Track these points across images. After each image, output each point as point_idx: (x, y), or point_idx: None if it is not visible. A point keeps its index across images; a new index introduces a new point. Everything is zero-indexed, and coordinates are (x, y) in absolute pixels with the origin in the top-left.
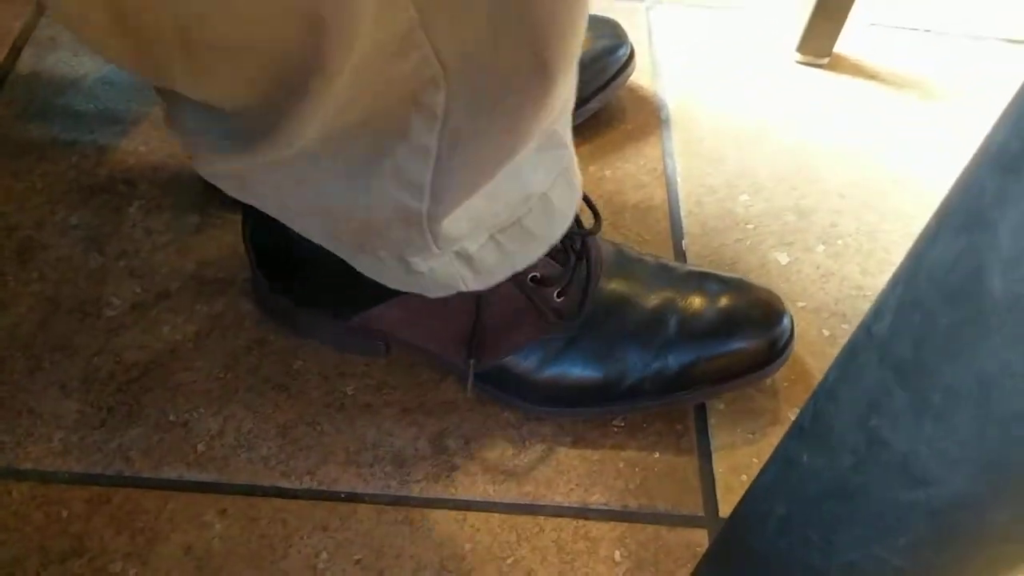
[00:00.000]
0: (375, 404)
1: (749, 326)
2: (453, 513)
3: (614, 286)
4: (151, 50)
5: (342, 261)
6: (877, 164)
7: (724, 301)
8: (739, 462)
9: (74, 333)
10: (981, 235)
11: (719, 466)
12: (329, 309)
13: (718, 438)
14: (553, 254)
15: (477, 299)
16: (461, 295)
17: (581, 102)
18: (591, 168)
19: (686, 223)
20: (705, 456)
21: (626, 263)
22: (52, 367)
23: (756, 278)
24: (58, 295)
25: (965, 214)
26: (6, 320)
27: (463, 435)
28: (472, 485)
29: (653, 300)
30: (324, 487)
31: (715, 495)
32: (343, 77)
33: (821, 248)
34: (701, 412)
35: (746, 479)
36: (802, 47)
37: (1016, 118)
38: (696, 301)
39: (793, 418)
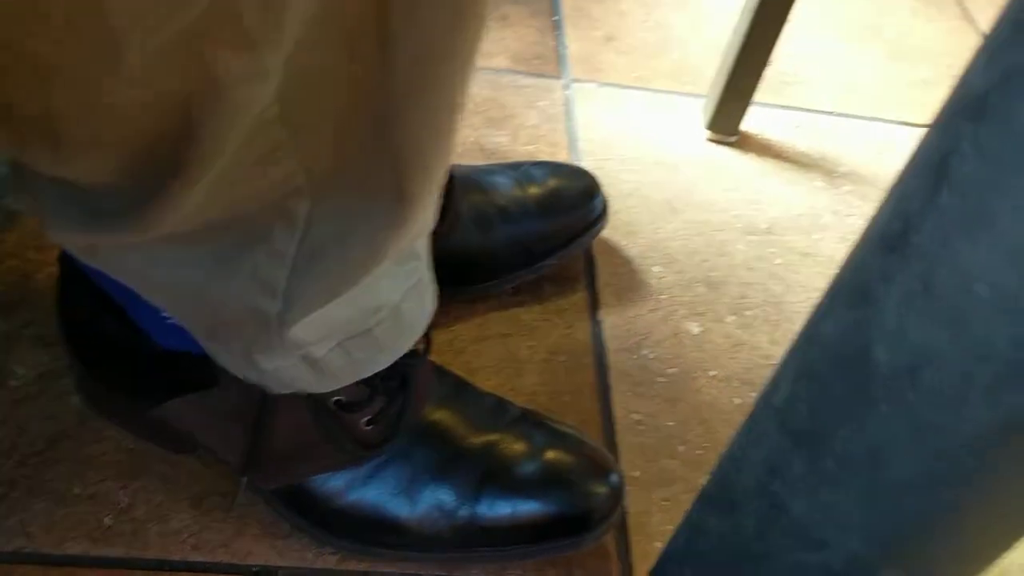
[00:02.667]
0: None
1: (570, 488)
2: None
3: (437, 417)
4: (16, 130)
5: (145, 349)
6: (784, 238)
7: (547, 455)
8: (654, 529)
9: None
10: (867, 310)
11: (634, 534)
12: (130, 401)
13: (634, 505)
14: (364, 379)
15: (259, 412)
16: (253, 406)
17: (539, 255)
18: None
19: (602, 294)
20: (620, 526)
21: (458, 395)
22: None
23: (669, 347)
24: None
25: (853, 290)
26: None
27: None
28: (392, 557)
29: (473, 441)
30: (237, 560)
31: (630, 563)
32: (206, 181)
33: (731, 319)
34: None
35: (660, 546)
36: (712, 125)
37: (897, 199)
38: (519, 450)
39: None
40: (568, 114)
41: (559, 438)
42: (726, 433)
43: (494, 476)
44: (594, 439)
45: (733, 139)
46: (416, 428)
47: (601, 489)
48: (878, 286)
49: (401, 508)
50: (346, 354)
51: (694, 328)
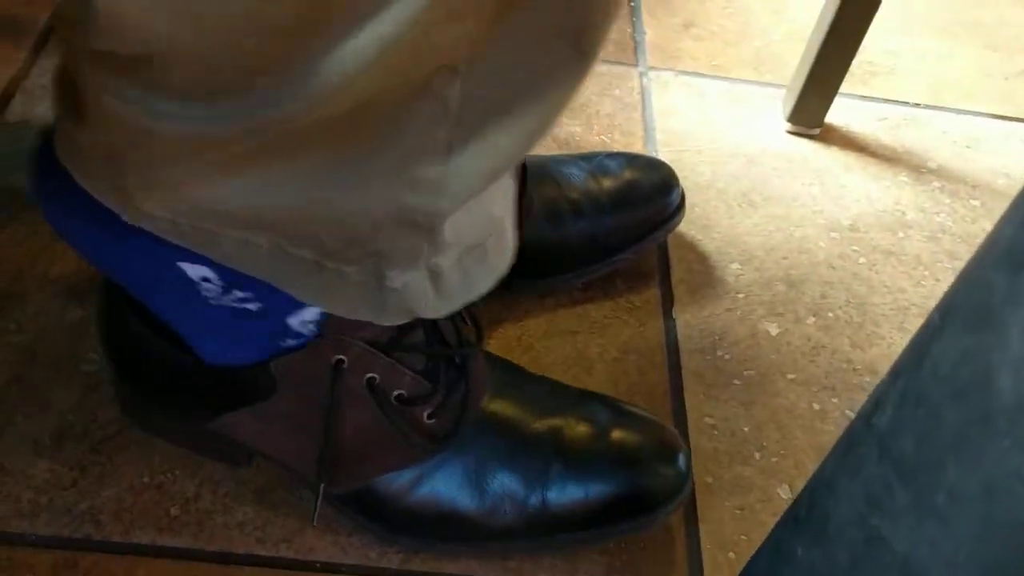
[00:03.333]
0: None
1: (640, 466)
2: None
3: (496, 407)
4: None
5: (195, 366)
6: (867, 236)
7: (615, 434)
8: (727, 539)
9: (49, 388)
10: (990, 334)
11: (706, 542)
12: (182, 417)
13: (706, 513)
14: (423, 371)
15: (326, 418)
16: (314, 410)
17: (613, 250)
18: None
19: (676, 290)
20: (692, 532)
21: (515, 382)
22: (24, 422)
23: (746, 348)
24: (34, 349)
25: (973, 311)
26: None
27: None
28: (455, 559)
29: (537, 425)
30: (300, 556)
31: (702, 573)
32: (357, 41)
33: (812, 320)
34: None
35: (734, 556)
36: (793, 117)
37: None
38: (584, 432)
39: (782, 494)
40: (644, 103)
41: (623, 416)
42: (804, 440)
43: (562, 460)
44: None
45: (815, 131)
46: (477, 419)
47: (670, 465)
48: (1003, 308)
49: (469, 501)
50: (463, 271)
51: (772, 329)
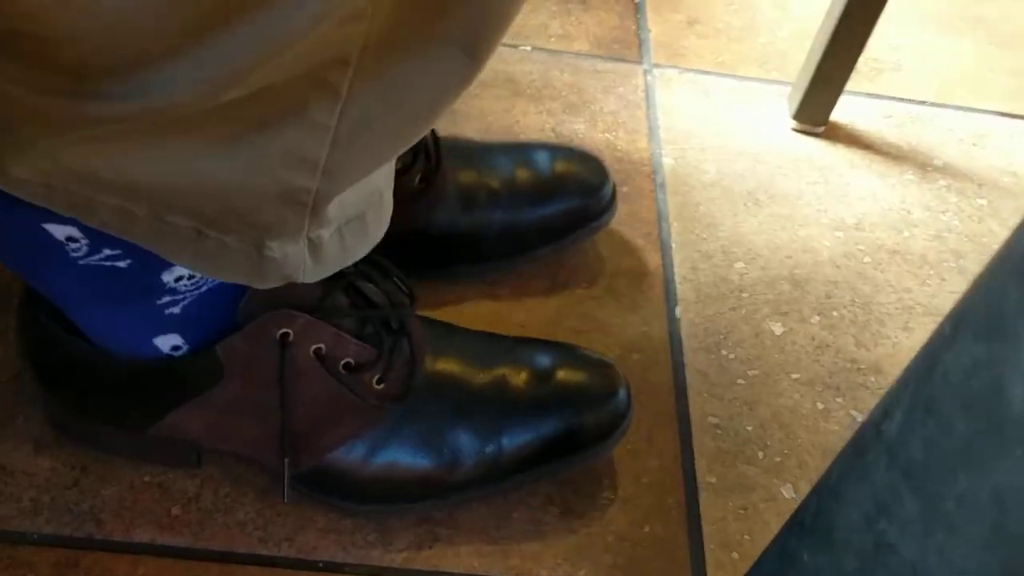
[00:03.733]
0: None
1: (584, 400)
2: None
3: (440, 366)
4: None
5: (127, 367)
6: (872, 235)
7: (557, 374)
8: (730, 538)
9: None
10: (1003, 345)
11: (709, 542)
12: (122, 424)
13: (708, 512)
14: (365, 337)
15: (281, 392)
16: (264, 390)
17: (530, 245)
18: None
19: (680, 290)
20: (695, 531)
21: (448, 337)
22: (25, 423)
23: (750, 348)
24: None
25: (985, 321)
26: None
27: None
28: (456, 557)
29: (481, 378)
30: (302, 555)
31: (705, 572)
32: (251, 30)
33: (816, 319)
34: (691, 485)
35: (737, 556)
36: (799, 115)
37: None
38: (527, 376)
39: (786, 494)
40: (648, 101)
41: (561, 356)
42: (808, 440)
43: (511, 407)
44: (671, 441)
45: (820, 129)
46: (422, 381)
47: (613, 396)
48: (1016, 319)
49: (427, 460)
50: (341, 239)
51: (777, 328)
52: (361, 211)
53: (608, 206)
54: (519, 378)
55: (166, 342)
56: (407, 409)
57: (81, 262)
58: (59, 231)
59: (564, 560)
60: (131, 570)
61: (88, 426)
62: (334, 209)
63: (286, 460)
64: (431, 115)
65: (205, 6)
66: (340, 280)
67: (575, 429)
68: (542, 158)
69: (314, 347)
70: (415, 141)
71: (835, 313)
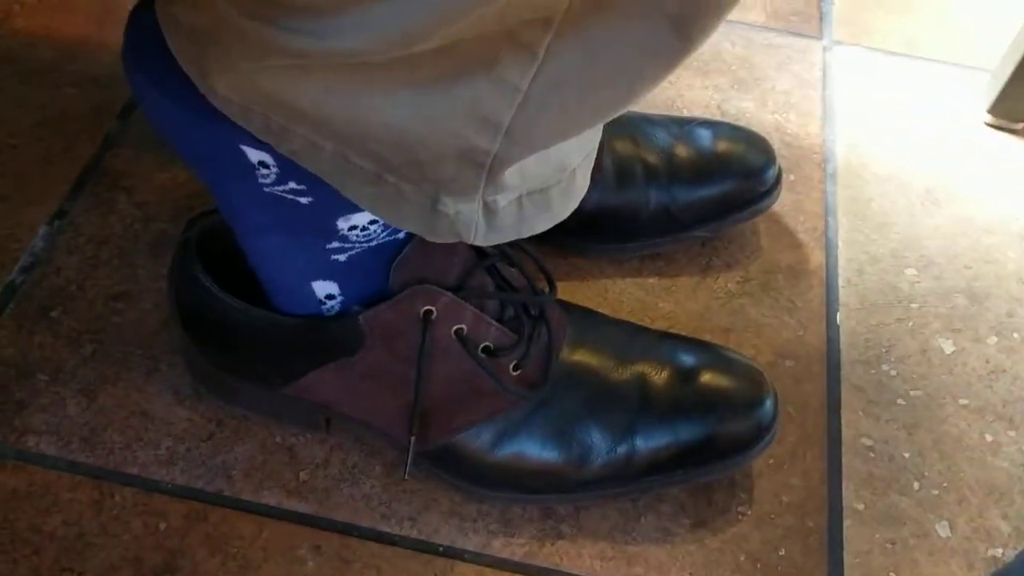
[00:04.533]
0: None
1: (728, 406)
2: None
3: (578, 356)
4: None
5: (273, 325)
6: None
7: (701, 376)
8: (874, 574)
9: None
10: None
11: (850, 574)
12: (259, 380)
13: (852, 543)
14: (505, 321)
15: (418, 369)
16: (401, 364)
17: (685, 225)
18: None
19: (843, 293)
20: (836, 561)
21: (592, 328)
22: (169, 371)
23: (915, 365)
24: None
25: None
26: (132, 314)
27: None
28: (578, 558)
29: (621, 373)
30: (424, 537)
31: None
32: None
33: (993, 340)
34: (836, 510)
35: None
36: (995, 108)
37: None
38: (669, 375)
39: (941, 532)
40: (825, 81)
41: (707, 357)
42: (971, 474)
43: (648, 406)
44: (817, 460)
45: (1019, 126)
46: (558, 370)
47: (758, 406)
48: None
49: (556, 454)
50: (519, 209)
51: (947, 346)
52: (546, 185)
53: (771, 190)
54: (660, 376)
55: (322, 288)
56: (539, 401)
57: (267, 189)
58: (254, 155)
59: (690, 574)
60: (256, 531)
61: (228, 381)
62: (513, 176)
63: (413, 437)
64: (629, 94)
65: None
66: (483, 260)
67: (715, 436)
68: (704, 134)
69: (456, 327)
70: (608, 119)
71: (1016, 335)
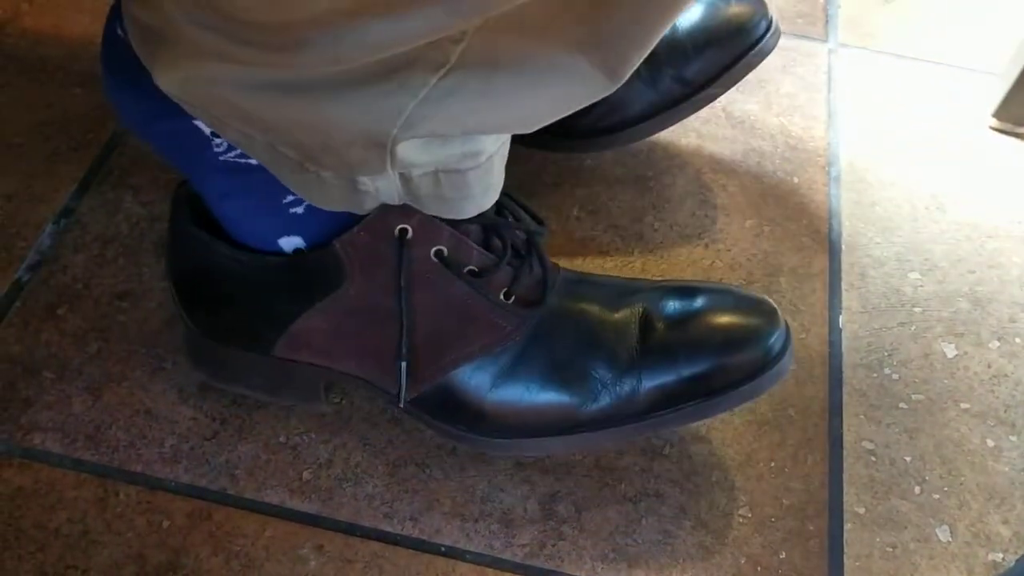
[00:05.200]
0: (488, 453)
1: (735, 336)
2: None
3: (574, 297)
4: None
5: (258, 266)
6: None
7: (706, 308)
8: None
9: None
10: None
11: None
12: (251, 341)
13: (853, 546)
14: (487, 246)
15: (400, 294)
16: (386, 294)
17: (699, 87)
18: (748, 222)
19: (845, 297)
20: (836, 565)
21: (583, 283)
22: (173, 369)
23: (917, 369)
24: None
25: None
26: (137, 313)
27: (575, 502)
28: (579, 559)
29: (619, 311)
30: (425, 537)
31: None
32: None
33: (995, 344)
34: (837, 514)
35: None
36: (1000, 112)
37: None
38: (671, 309)
39: (941, 536)
40: (830, 84)
41: (710, 289)
42: (972, 478)
43: (649, 340)
44: (819, 463)
45: None
46: (555, 306)
47: (766, 340)
48: None
49: (556, 392)
50: (437, 184)
51: (949, 350)
52: (462, 168)
53: (766, 34)
54: (661, 311)
55: (289, 243)
56: (537, 334)
57: (222, 157)
58: (206, 128)
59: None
60: (259, 530)
61: (219, 352)
62: (415, 153)
63: (403, 364)
64: (539, 114)
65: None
66: None
67: (721, 367)
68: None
69: (435, 248)
70: (513, 131)
71: (1018, 340)
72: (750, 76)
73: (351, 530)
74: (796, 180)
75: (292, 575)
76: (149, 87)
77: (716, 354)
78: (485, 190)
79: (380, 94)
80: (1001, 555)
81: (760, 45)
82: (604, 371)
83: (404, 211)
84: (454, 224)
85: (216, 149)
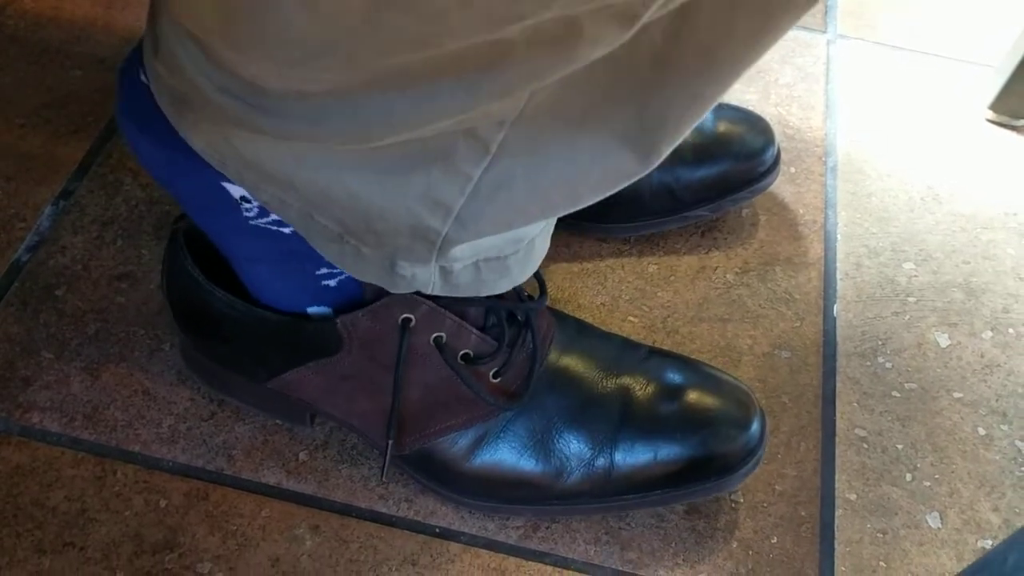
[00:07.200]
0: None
1: (712, 429)
2: (548, 569)
3: (563, 363)
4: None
5: (260, 322)
6: None
7: (687, 395)
8: (864, 563)
9: None
10: None
11: (841, 564)
12: (244, 373)
13: (844, 532)
14: (487, 328)
15: (396, 375)
16: (380, 369)
17: (688, 204)
18: (744, 211)
19: (841, 286)
20: (827, 550)
21: (581, 338)
22: (171, 351)
23: (910, 358)
24: None
25: None
26: (135, 295)
27: None
28: (572, 543)
29: (606, 385)
30: (420, 518)
31: None
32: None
33: (988, 334)
34: (829, 500)
35: None
36: (997, 105)
37: None
38: (654, 390)
39: (931, 523)
40: (828, 74)
41: (695, 375)
42: (963, 466)
43: (630, 421)
44: (811, 450)
45: (1020, 123)
46: (543, 377)
47: (743, 429)
48: None
49: (534, 463)
50: (477, 272)
51: (943, 340)
52: (503, 254)
53: (769, 170)
54: (645, 392)
55: (317, 311)
56: (520, 408)
57: (252, 222)
58: (235, 190)
59: (683, 561)
60: (256, 510)
61: (216, 371)
62: (463, 251)
63: (389, 442)
64: (579, 197)
65: (381, 71)
66: None
67: (697, 458)
68: (705, 117)
69: (434, 335)
70: (556, 215)
71: (1011, 330)
72: None
73: (346, 511)
74: (793, 170)
75: (288, 555)
76: (173, 140)
77: (693, 447)
78: (523, 268)
79: (424, 186)
80: (991, 541)
81: (761, 182)
82: (579, 448)
83: (410, 301)
84: (457, 307)
85: (246, 214)
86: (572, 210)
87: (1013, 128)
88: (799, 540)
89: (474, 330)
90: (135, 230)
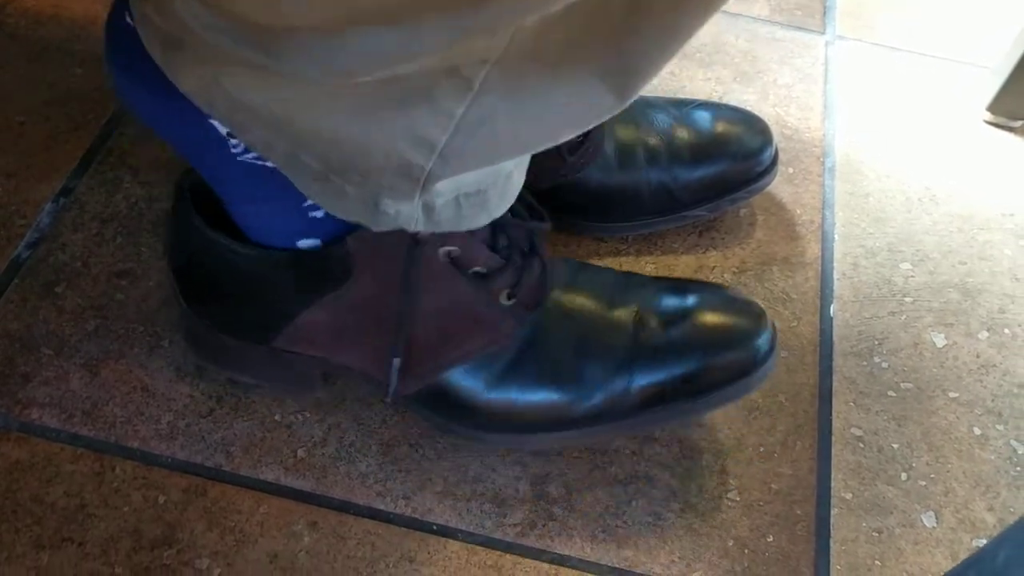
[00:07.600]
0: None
1: (724, 337)
2: (545, 566)
3: (568, 297)
4: None
5: (264, 260)
6: None
7: (697, 312)
8: (859, 562)
9: None
10: None
11: (836, 562)
12: (252, 332)
13: (839, 531)
14: (498, 250)
15: (406, 291)
16: (392, 292)
17: (685, 204)
18: (742, 211)
19: (837, 286)
20: (823, 549)
21: (581, 273)
22: (171, 347)
23: (907, 358)
24: None
25: None
26: (135, 291)
27: (566, 483)
28: (569, 540)
29: (614, 310)
30: (418, 515)
31: None
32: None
33: (984, 335)
34: (824, 499)
35: None
36: (994, 106)
37: None
38: (665, 312)
39: (926, 522)
40: (827, 75)
41: (703, 294)
42: (958, 466)
43: (643, 341)
44: (807, 449)
45: (1017, 124)
46: (550, 308)
47: (753, 341)
48: None
49: (550, 390)
50: (458, 207)
51: (939, 340)
52: (482, 188)
53: (767, 171)
54: (655, 311)
55: (307, 244)
56: (533, 334)
57: (239, 158)
58: (222, 127)
59: (679, 559)
60: (254, 506)
61: (219, 340)
62: (446, 185)
63: (397, 360)
64: (558, 133)
65: (367, 5)
66: None
67: (710, 367)
68: (703, 116)
69: (446, 249)
70: (535, 151)
71: (1007, 331)
72: (747, 68)
73: (344, 508)
74: (791, 170)
75: (286, 551)
76: (162, 83)
77: (705, 354)
78: (501, 200)
79: (409, 123)
80: (985, 541)
81: (758, 183)
82: (597, 370)
83: None
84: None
85: (233, 150)
86: (551, 145)
87: (1010, 129)
88: (795, 539)
89: (484, 246)
90: (135, 227)
